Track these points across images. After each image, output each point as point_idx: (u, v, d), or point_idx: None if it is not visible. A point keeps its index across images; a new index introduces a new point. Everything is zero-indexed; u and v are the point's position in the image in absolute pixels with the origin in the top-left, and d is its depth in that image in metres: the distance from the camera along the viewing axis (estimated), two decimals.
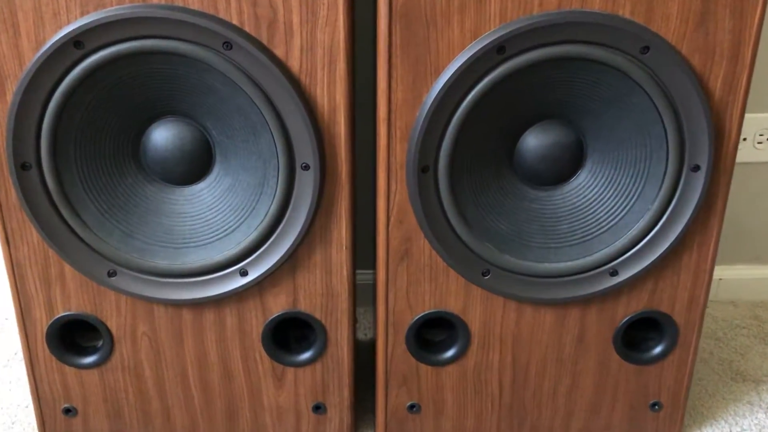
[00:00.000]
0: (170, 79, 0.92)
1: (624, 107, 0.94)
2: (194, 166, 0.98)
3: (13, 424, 1.15)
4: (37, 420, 1.08)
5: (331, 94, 0.91)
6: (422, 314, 1.04)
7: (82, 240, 0.96)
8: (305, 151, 0.93)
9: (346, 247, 0.99)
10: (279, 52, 0.89)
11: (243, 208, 0.98)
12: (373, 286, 1.07)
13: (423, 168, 0.94)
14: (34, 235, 0.97)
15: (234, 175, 0.97)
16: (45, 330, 1.02)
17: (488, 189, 0.99)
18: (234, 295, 1.01)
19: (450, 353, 1.07)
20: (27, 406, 1.20)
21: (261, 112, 0.91)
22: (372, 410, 1.18)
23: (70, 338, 1.06)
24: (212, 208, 0.99)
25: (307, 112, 0.91)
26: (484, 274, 1.00)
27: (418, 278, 1.02)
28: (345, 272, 1.01)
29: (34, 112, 0.89)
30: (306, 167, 0.94)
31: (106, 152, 0.95)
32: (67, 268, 0.99)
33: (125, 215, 0.97)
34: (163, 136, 0.96)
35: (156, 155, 0.96)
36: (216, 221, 0.99)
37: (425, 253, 1.00)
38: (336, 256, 1.00)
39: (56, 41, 0.86)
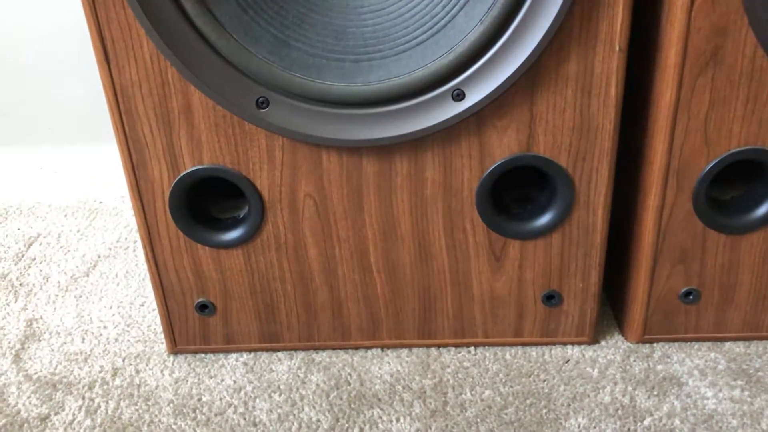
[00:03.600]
0: None
1: None
2: None
3: (128, 326, 0.87)
4: (162, 320, 0.79)
5: None
6: (726, 154, 0.68)
7: (215, 51, 0.63)
8: None
9: (620, 49, 0.63)
10: None
11: None
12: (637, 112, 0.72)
13: None
14: (145, 45, 0.64)
15: None
16: (167, 195, 0.71)
17: None
18: (440, 132, 0.67)
19: (760, 213, 0.71)
20: (143, 304, 0.92)
21: None
22: (612, 300, 0.85)
23: (202, 206, 0.75)
24: None
25: None
26: None
27: (728, 97, 0.65)
28: (613, 91, 0.65)
29: None
30: None
31: None
32: (196, 98, 0.66)
33: (278, 12, 0.63)
34: None
35: None
36: (414, 15, 0.64)
37: (746, 54, 0.63)
38: (602, 64, 0.64)
39: None
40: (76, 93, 1.19)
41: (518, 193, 0.76)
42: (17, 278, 0.99)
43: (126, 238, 1.08)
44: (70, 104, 1.19)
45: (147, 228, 0.73)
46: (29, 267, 1.02)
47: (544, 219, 0.72)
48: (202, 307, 0.78)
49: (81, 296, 0.94)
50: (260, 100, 0.66)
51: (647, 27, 0.67)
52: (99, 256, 1.03)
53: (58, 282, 0.98)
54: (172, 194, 0.71)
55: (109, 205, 1.18)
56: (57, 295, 0.95)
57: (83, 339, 0.86)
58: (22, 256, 1.05)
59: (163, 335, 0.84)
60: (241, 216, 0.75)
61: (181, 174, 0.70)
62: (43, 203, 1.20)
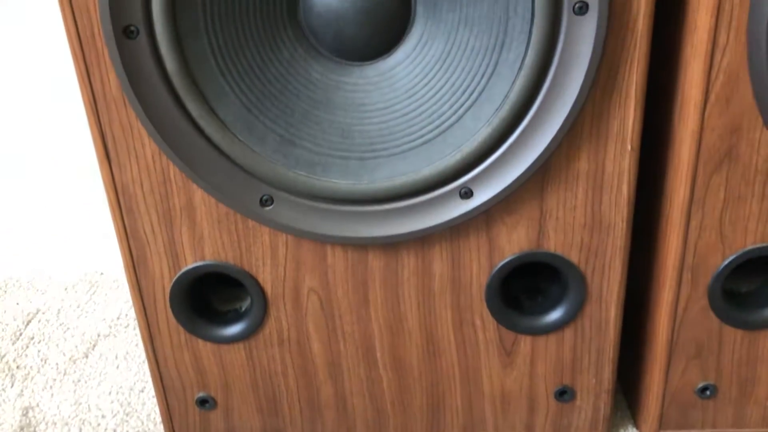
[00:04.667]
0: None
1: None
2: (385, 27, 0.61)
3: (127, 415, 0.85)
4: (162, 414, 0.77)
5: None
6: (741, 252, 0.66)
7: (219, 150, 0.62)
8: None
9: (632, 148, 0.62)
10: None
11: (465, 91, 0.61)
12: (647, 206, 0.70)
13: None
14: (147, 145, 0.63)
15: (449, 36, 0.61)
16: (168, 290, 0.69)
17: None
18: (449, 229, 0.66)
19: None
20: (143, 390, 0.89)
21: None
22: (626, 391, 0.82)
23: (203, 299, 0.73)
24: (414, 94, 0.63)
25: None
26: None
27: (743, 194, 0.64)
28: (625, 189, 0.64)
29: None
30: (582, 8, 0.56)
31: (251, 9, 0.60)
32: (198, 196, 0.65)
33: (282, 110, 0.62)
34: None
35: (325, 13, 0.60)
36: (421, 114, 0.63)
37: (760, 152, 0.62)
38: (613, 162, 0.63)
39: None
40: (77, 161, 1.18)
41: (528, 282, 0.74)
42: (14, 360, 0.97)
43: (126, 315, 1.06)
44: (72, 171, 1.19)
45: (147, 323, 0.71)
46: (27, 347, 0.99)
47: (556, 314, 0.70)
48: (203, 402, 0.76)
49: (79, 380, 0.92)
50: (264, 198, 0.64)
51: (659, 124, 0.65)
52: (99, 335, 1.01)
53: (57, 364, 0.95)
54: (173, 290, 0.69)
55: (110, 277, 1.16)
56: (55, 379, 0.92)
57: (80, 430, 0.83)
58: (20, 334, 1.02)
59: (162, 426, 0.81)
60: (243, 309, 0.73)
61: (183, 270, 0.68)
62: (43, 274, 1.19)
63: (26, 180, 1.19)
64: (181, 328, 0.72)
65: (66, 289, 1.14)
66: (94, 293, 1.12)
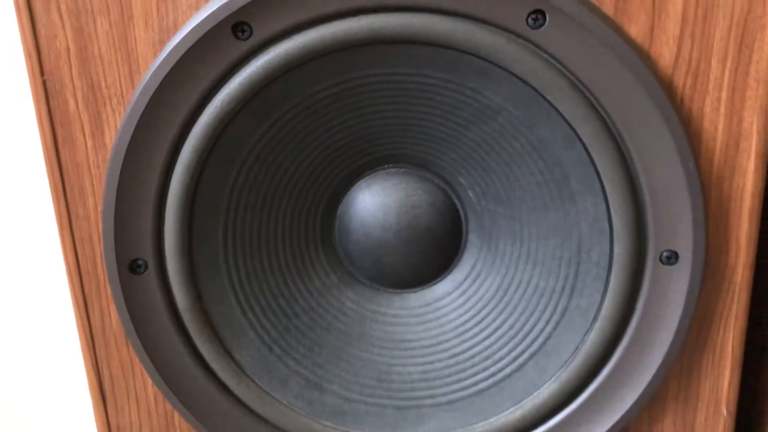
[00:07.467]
0: (399, 97, 0.48)
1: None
2: (431, 256, 0.53)
3: None
4: None
5: (735, 112, 0.45)
6: None
7: (234, 396, 0.52)
8: (672, 227, 0.46)
9: (728, 412, 0.52)
10: (634, 29, 0.44)
11: (526, 336, 0.52)
12: None
13: None
14: (149, 385, 0.54)
15: (508, 271, 0.52)
16: None
17: None
18: None
19: None
20: None
21: (585, 149, 0.46)
22: None
23: None
24: (464, 332, 0.53)
25: (685, 146, 0.45)
26: None
27: None
28: None
29: (155, 165, 0.47)
30: (670, 258, 0.47)
31: (279, 236, 0.52)
32: None
33: (309, 348, 0.53)
34: (376, 203, 0.52)
35: (364, 241, 0.52)
36: (473, 357, 0.53)
37: None
38: (704, 426, 0.52)
39: (201, 24, 0.44)
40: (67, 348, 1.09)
41: None
42: None
43: None
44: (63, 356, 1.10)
45: None
46: None
47: None
48: None
49: None
50: None
51: (756, 381, 0.55)
52: None
53: None
54: None
55: None
56: None
57: None
58: None
59: None
60: None
61: None
62: None
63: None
64: None
65: None
66: None
